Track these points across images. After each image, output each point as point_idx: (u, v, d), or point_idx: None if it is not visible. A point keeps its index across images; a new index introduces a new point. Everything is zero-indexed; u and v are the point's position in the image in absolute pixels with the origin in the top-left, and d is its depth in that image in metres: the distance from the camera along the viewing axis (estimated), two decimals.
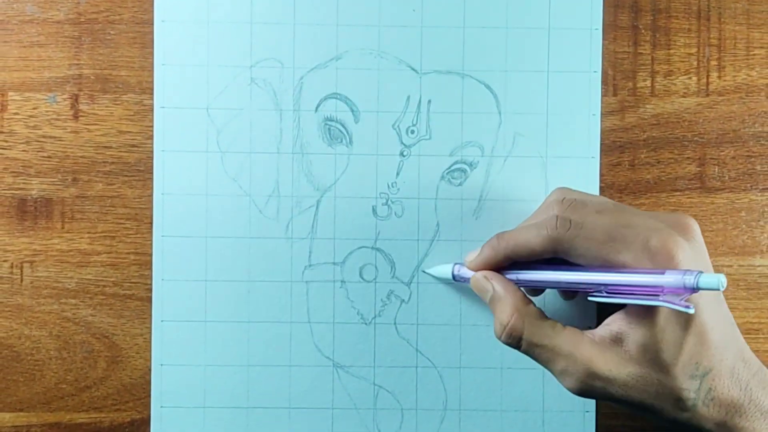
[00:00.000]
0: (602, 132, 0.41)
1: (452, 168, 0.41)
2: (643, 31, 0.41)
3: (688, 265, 0.32)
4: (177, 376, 0.41)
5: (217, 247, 0.41)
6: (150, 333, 0.41)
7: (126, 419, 0.41)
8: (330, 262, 0.41)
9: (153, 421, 0.40)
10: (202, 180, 0.41)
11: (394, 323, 0.41)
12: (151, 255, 0.41)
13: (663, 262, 0.32)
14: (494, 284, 0.36)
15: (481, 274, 0.37)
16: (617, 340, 0.34)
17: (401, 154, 0.41)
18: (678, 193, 0.41)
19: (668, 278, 0.31)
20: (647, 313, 0.33)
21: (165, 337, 0.40)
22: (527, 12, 0.41)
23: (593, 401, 0.40)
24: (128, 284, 0.41)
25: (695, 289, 0.31)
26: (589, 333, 0.34)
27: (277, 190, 0.41)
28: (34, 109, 0.40)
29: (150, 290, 0.41)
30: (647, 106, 0.41)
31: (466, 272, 0.39)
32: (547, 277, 0.36)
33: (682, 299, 0.31)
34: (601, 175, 0.41)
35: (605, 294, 0.33)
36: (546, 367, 0.35)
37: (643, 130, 0.41)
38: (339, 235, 0.41)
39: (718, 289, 0.30)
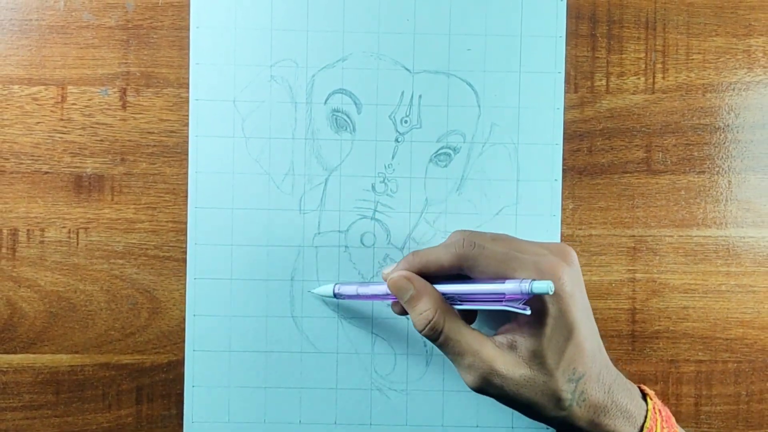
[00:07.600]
0: (565, 123, 0.44)
1: (439, 152, 0.44)
2: (599, 38, 0.44)
3: (570, 284, 0.34)
4: (207, 325, 0.44)
5: (241, 217, 0.44)
6: (185, 288, 0.44)
7: (164, 360, 0.44)
8: (336, 230, 0.44)
9: (186, 362, 0.44)
10: (230, 161, 0.43)
11: None
12: (186, 223, 0.44)
13: (551, 280, 0.34)
14: (415, 283, 0.37)
15: (400, 274, 0.37)
16: (512, 347, 0.35)
17: (396, 140, 0.43)
18: (628, 175, 0.44)
19: (508, 286, 0.33)
20: (535, 324, 0.35)
21: (197, 292, 0.44)
22: (503, 21, 0.43)
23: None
24: (167, 247, 0.44)
25: (530, 294, 0.33)
26: (490, 338, 0.36)
27: (292, 170, 0.44)
28: (89, 100, 0.44)
29: (185, 253, 0.44)
30: (603, 101, 0.44)
31: (346, 290, 0.40)
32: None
33: (520, 303, 0.33)
34: (564, 159, 0.44)
35: (458, 302, 0.35)
36: (454, 359, 0.36)
37: (599, 121, 0.44)
38: (343, 207, 0.44)
39: (548, 293, 0.32)
